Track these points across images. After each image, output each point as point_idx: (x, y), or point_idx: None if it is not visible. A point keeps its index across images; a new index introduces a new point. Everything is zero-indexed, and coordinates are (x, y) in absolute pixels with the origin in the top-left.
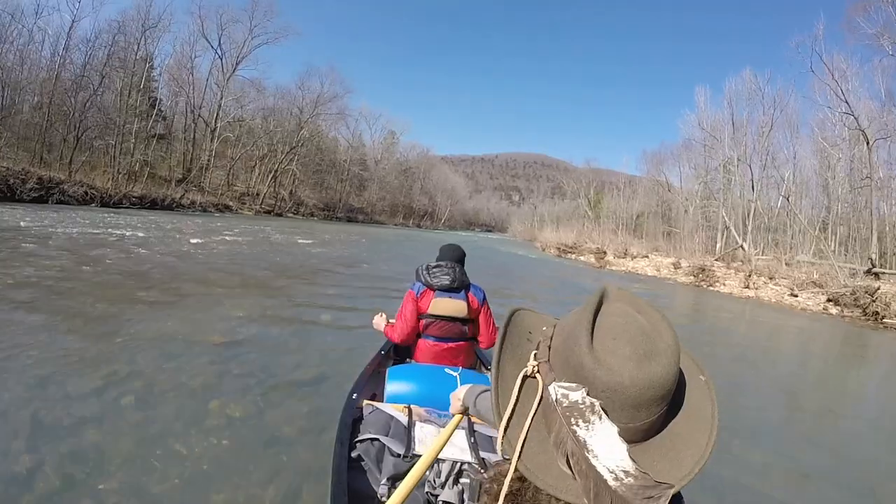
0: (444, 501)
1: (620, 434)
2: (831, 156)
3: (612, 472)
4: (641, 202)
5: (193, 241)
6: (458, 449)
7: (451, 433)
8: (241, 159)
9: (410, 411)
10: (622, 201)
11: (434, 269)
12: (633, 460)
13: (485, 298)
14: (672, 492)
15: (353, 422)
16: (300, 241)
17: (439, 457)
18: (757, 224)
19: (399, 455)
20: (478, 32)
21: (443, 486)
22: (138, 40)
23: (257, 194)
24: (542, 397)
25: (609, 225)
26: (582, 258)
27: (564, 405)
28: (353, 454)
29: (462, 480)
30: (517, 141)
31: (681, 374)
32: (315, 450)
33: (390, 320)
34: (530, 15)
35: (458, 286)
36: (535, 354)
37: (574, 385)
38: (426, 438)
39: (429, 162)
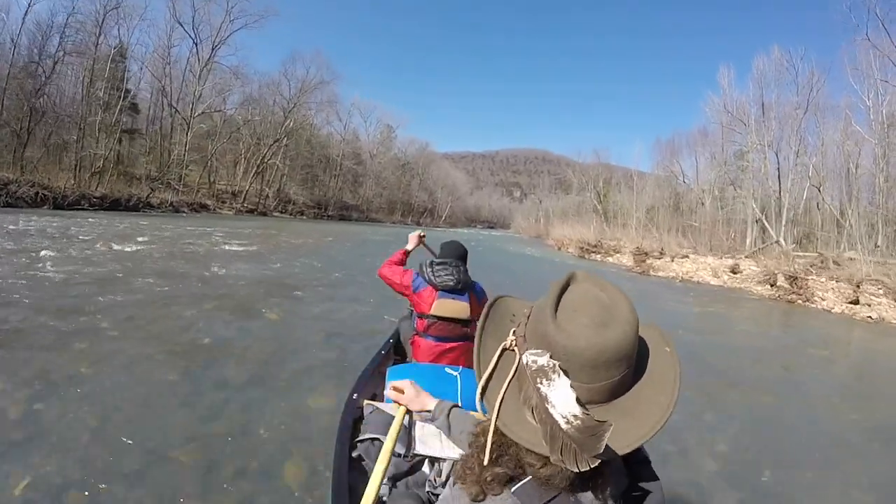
0: None
1: (572, 387)
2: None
3: (564, 418)
4: (652, 195)
5: (45, 253)
6: (459, 449)
7: (399, 426)
8: (222, 154)
9: (411, 411)
10: (632, 195)
11: (438, 268)
12: (583, 406)
13: (485, 295)
14: (610, 432)
15: (353, 422)
16: (230, 248)
17: (439, 456)
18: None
19: (400, 455)
20: (475, 28)
21: (443, 486)
22: (99, 24)
23: (239, 193)
24: (517, 366)
25: (619, 220)
26: (610, 259)
27: (533, 369)
28: (354, 454)
29: None
30: (518, 137)
31: (645, 344)
32: (315, 450)
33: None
34: (531, 8)
35: (463, 287)
36: (514, 331)
37: (541, 351)
38: (427, 438)
39: (428, 157)
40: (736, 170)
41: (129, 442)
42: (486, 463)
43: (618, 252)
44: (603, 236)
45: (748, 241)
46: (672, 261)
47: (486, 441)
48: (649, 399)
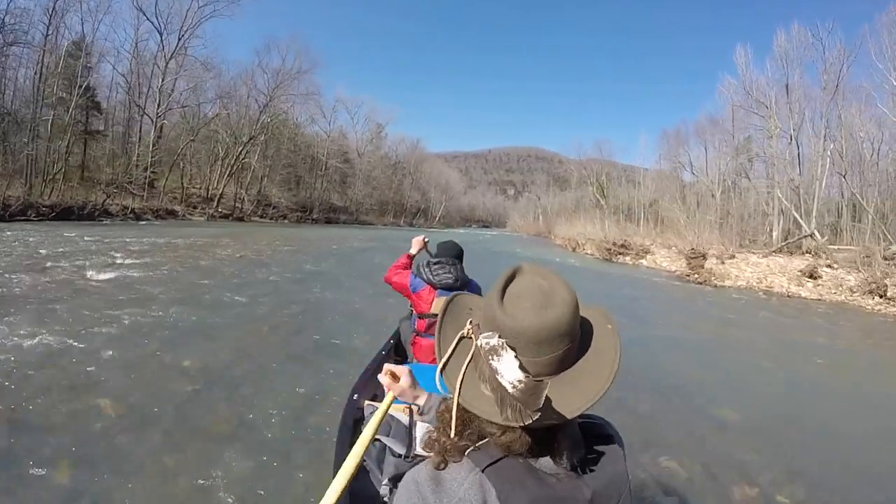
0: None
1: (517, 358)
2: None
3: (510, 383)
4: (654, 188)
5: None
6: None
7: (384, 413)
8: (195, 156)
9: (412, 411)
10: (633, 189)
11: (435, 267)
12: (526, 373)
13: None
14: (546, 389)
15: (354, 422)
16: (96, 276)
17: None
18: (807, 209)
19: (400, 455)
20: (465, 25)
21: None
22: (49, 13)
23: (213, 197)
24: (474, 350)
25: (622, 215)
26: (644, 263)
27: (486, 349)
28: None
29: None
30: (510, 135)
31: (589, 323)
32: (316, 450)
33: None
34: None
35: (461, 285)
36: (470, 321)
37: (491, 333)
38: None
39: (419, 155)
40: (753, 157)
41: None
42: (452, 435)
43: (648, 253)
44: (623, 234)
45: (775, 234)
46: (722, 263)
47: (451, 417)
48: (592, 371)
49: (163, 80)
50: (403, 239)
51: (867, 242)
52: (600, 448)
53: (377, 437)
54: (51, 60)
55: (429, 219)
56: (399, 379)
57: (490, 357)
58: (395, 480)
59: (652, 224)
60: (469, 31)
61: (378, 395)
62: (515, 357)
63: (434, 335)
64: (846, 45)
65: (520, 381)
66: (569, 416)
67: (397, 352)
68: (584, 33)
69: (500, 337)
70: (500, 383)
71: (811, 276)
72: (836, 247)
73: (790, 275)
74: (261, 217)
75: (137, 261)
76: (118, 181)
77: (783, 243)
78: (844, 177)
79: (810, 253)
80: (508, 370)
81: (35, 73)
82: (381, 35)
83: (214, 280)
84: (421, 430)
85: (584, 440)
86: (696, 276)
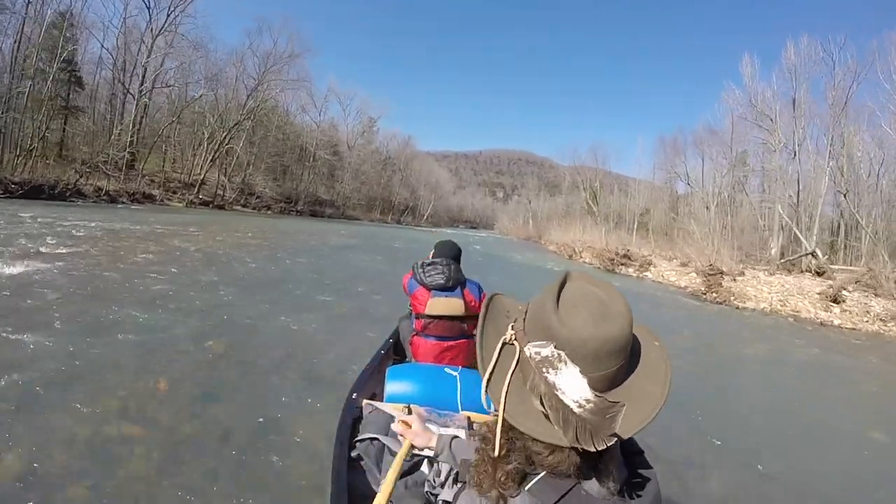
0: (443, 501)
1: (582, 373)
2: None
3: (576, 402)
4: (647, 197)
5: None
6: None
7: (402, 460)
8: (180, 140)
9: (410, 411)
10: (625, 197)
11: (429, 268)
12: (595, 390)
13: (481, 292)
14: (623, 412)
15: (352, 421)
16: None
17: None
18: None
19: None
20: (462, 24)
21: (442, 486)
22: None
23: (192, 183)
24: (519, 358)
25: (612, 222)
26: (649, 275)
27: (537, 360)
28: (353, 454)
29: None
30: (502, 137)
31: (638, 339)
32: (315, 449)
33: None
34: (521, 5)
35: (453, 284)
36: (512, 326)
37: (544, 342)
38: None
39: (410, 153)
40: (749, 172)
41: None
42: (496, 455)
43: (650, 265)
44: (620, 243)
45: (773, 250)
46: (734, 280)
47: (494, 436)
48: (643, 388)
49: (148, 57)
50: (390, 237)
51: (863, 262)
52: (640, 470)
53: (376, 436)
54: (33, 30)
55: (417, 217)
56: (411, 426)
57: (544, 369)
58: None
59: (653, 235)
60: (465, 31)
61: (377, 394)
62: (581, 373)
63: (432, 336)
64: (858, 61)
65: (588, 401)
66: (625, 436)
67: (396, 351)
68: (582, 34)
69: (555, 347)
70: (561, 401)
71: (835, 301)
72: (837, 266)
73: (810, 297)
74: (243, 206)
75: (66, 250)
76: (92, 160)
77: (783, 260)
78: (845, 196)
79: (810, 272)
80: (572, 386)
81: (14, 41)
82: (374, 30)
83: (139, 283)
84: None
85: (624, 460)
86: (715, 294)
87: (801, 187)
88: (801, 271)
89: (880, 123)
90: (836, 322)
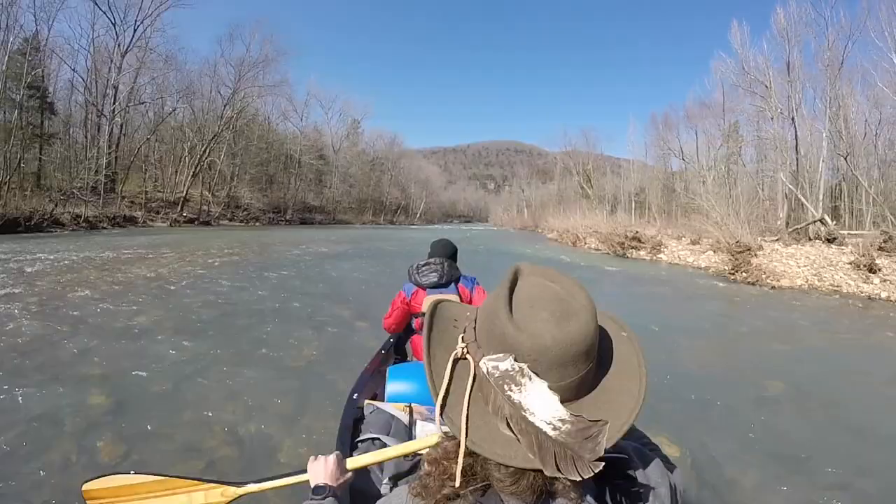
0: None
1: (551, 388)
2: None
3: (549, 424)
4: (641, 176)
5: None
6: None
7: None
8: (159, 158)
9: (411, 410)
10: (619, 179)
11: (423, 268)
12: (567, 409)
13: (475, 284)
14: (607, 429)
15: (354, 421)
16: None
17: None
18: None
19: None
20: (440, 17)
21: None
22: None
23: (176, 202)
24: (475, 374)
25: (606, 205)
26: (663, 257)
27: (496, 376)
28: (355, 454)
29: None
30: (488, 129)
31: (604, 332)
32: (315, 449)
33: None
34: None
35: (447, 281)
36: (462, 337)
37: (502, 355)
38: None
39: (398, 151)
40: (743, 142)
41: None
42: (456, 484)
43: (662, 246)
44: (616, 223)
45: (780, 219)
46: (754, 255)
47: (452, 465)
48: (619, 388)
49: (118, 75)
50: (383, 239)
51: (867, 225)
52: (622, 483)
53: (377, 436)
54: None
55: (409, 216)
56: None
57: (506, 386)
58: (396, 479)
59: (655, 215)
60: (446, 25)
61: (378, 395)
62: (550, 388)
63: None
64: (851, 19)
65: (563, 421)
66: (609, 444)
67: (397, 351)
68: (563, 22)
69: (515, 360)
70: (531, 423)
71: (870, 270)
72: (847, 231)
73: (842, 269)
74: (230, 220)
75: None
76: (66, 187)
77: (790, 230)
78: (846, 159)
79: (819, 239)
80: (541, 406)
81: None
82: (352, 27)
83: (51, 336)
84: (421, 429)
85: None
86: (745, 274)
87: (800, 153)
88: (810, 239)
89: (875, 83)
90: (883, 294)
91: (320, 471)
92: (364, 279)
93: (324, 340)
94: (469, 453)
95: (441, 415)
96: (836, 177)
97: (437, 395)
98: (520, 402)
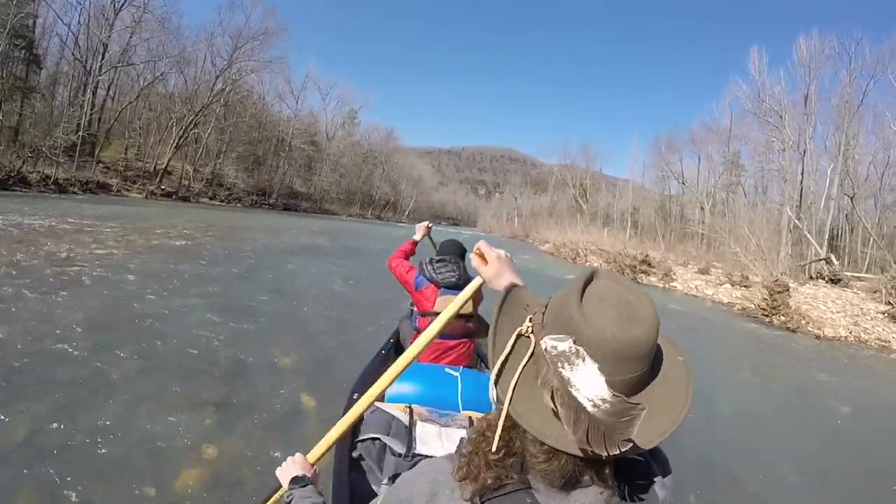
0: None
1: (601, 371)
2: None
3: (590, 401)
4: (636, 196)
5: None
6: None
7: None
8: (142, 125)
9: (411, 411)
10: (612, 197)
11: (439, 265)
12: (614, 389)
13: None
14: (643, 415)
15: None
16: None
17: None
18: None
19: (400, 455)
20: (449, 22)
21: None
22: None
23: (156, 173)
24: (533, 351)
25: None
26: (676, 286)
27: (553, 354)
28: (355, 454)
29: None
30: (485, 134)
31: (661, 350)
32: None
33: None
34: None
35: (464, 283)
36: (530, 318)
37: (563, 336)
38: (427, 438)
39: (392, 147)
40: (747, 171)
41: None
42: (493, 450)
43: (673, 272)
44: (607, 241)
45: (781, 255)
46: (789, 296)
47: (493, 431)
48: (663, 400)
49: (110, 32)
50: (368, 236)
51: (866, 268)
52: (640, 481)
53: (377, 437)
54: None
55: (398, 213)
56: (487, 262)
57: (560, 363)
58: (395, 480)
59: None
60: (452, 26)
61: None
62: (599, 370)
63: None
64: (876, 58)
65: (604, 401)
66: (645, 447)
67: (397, 351)
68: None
69: (575, 342)
70: (574, 398)
71: None
72: (851, 273)
73: (876, 318)
74: (210, 199)
75: None
76: (39, 144)
77: (797, 265)
78: (852, 199)
79: (822, 278)
80: (588, 384)
81: None
82: (357, 22)
83: None
84: (421, 429)
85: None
86: (784, 318)
87: (805, 189)
88: (811, 278)
89: (888, 125)
90: None
91: (291, 468)
92: (350, 290)
93: (280, 404)
94: (510, 427)
95: (495, 382)
96: (837, 216)
97: (494, 363)
98: (568, 379)
